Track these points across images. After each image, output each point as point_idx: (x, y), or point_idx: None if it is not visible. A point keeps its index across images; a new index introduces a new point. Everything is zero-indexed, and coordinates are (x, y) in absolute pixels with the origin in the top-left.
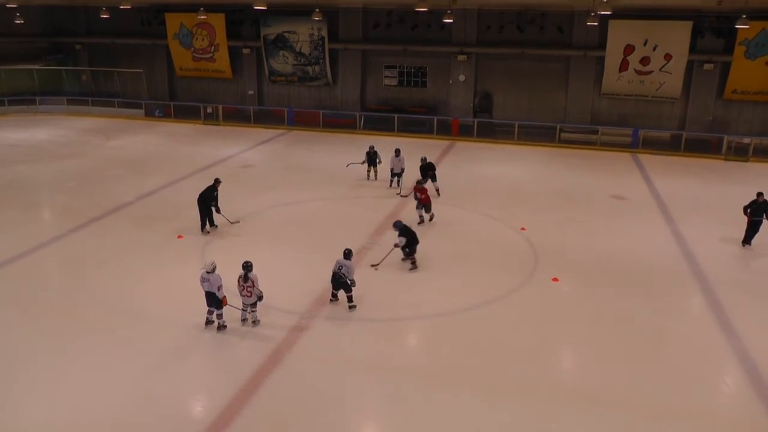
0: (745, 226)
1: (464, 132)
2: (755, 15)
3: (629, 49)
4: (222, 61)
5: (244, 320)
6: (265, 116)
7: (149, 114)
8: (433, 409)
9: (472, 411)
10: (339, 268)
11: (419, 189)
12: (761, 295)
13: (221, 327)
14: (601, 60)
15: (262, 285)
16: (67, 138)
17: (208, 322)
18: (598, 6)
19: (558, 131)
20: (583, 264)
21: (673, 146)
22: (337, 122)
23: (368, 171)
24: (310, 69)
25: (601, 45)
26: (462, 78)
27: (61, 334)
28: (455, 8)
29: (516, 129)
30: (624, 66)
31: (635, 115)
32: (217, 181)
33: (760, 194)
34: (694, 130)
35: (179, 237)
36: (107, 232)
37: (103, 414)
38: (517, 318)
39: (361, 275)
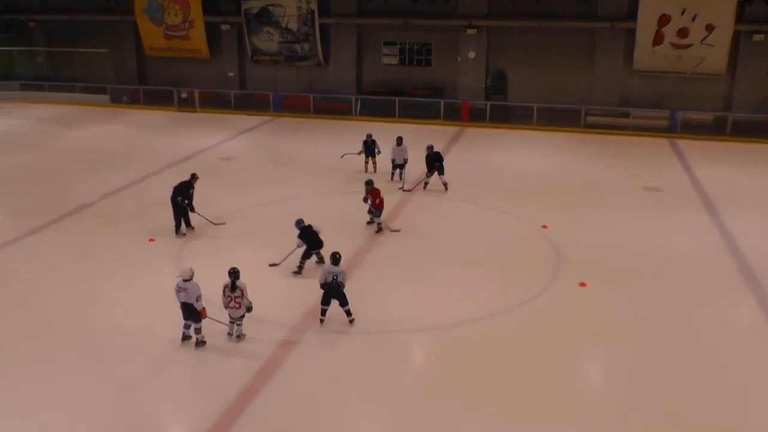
0: None
1: (475, 117)
2: None
3: (664, 20)
4: (198, 38)
5: (230, 335)
6: (248, 101)
7: (115, 100)
8: None
9: None
10: (333, 278)
11: (372, 192)
12: None
13: (200, 343)
14: (631, 32)
15: (249, 295)
16: (22, 128)
17: (185, 337)
18: None
19: (583, 114)
20: (615, 266)
21: (716, 130)
22: (330, 107)
23: (366, 162)
24: (298, 47)
25: (632, 15)
26: (472, 55)
27: (12, 354)
28: None
29: (534, 112)
30: (659, 39)
31: (672, 94)
32: (193, 177)
33: None
34: (741, 111)
35: (150, 240)
36: (68, 236)
37: None
38: (538, 330)
39: (354, 283)
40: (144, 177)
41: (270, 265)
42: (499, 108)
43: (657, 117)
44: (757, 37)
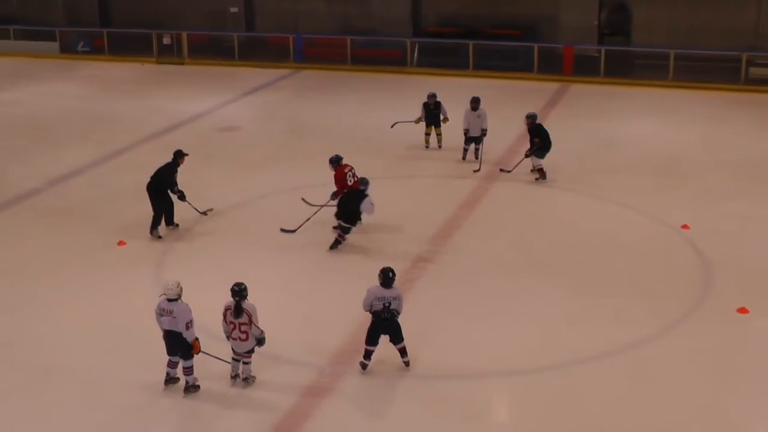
0: None
1: (584, 68)
2: None
3: None
4: None
5: (234, 377)
6: (258, 48)
7: (68, 49)
8: None
9: None
10: (385, 305)
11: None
12: None
13: (191, 388)
14: None
15: (260, 321)
16: None
17: (170, 379)
18: None
19: (744, 65)
20: None
21: None
22: (374, 56)
23: (427, 134)
24: None
25: None
26: None
27: None
28: None
29: (671, 62)
30: None
31: None
32: (179, 156)
33: None
34: None
35: (120, 244)
36: (2, 238)
37: None
38: (673, 377)
39: (408, 310)
40: (109, 155)
41: (282, 231)
42: (618, 56)
43: None
44: None
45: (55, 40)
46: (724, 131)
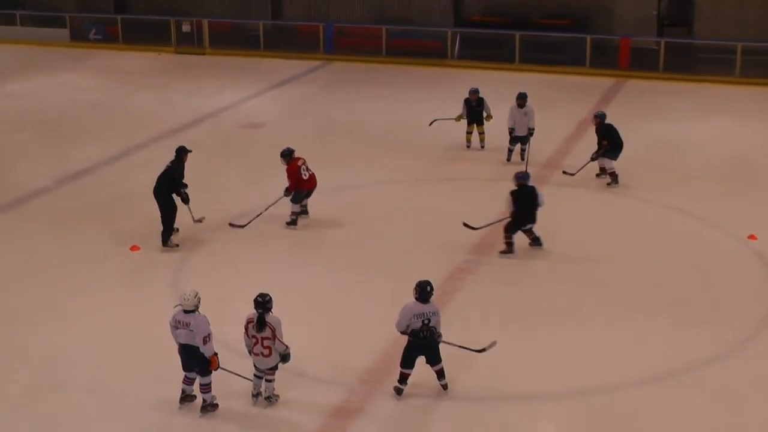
0: None
1: (641, 62)
2: None
3: None
4: None
5: (256, 396)
6: (286, 38)
7: (79, 37)
8: None
9: None
10: (425, 321)
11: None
12: None
13: (209, 406)
14: None
15: (285, 336)
16: None
17: (186, 397)
18: None
19: None
20: None
21: None
22: (412, 47)
23: (469, 132)
24: None
25: None
26: None
27: None
28: None
29: (738, 56)
30: None
31: None
32: (183, 153)
33: None
34: None
35: (133, 248)
36: (5, 242)
37: None
38: (740, 402)
39: (447, 328)
40: (123, 153)
41: (231, 225)
42: (679, 49)
43: None
44: None
45: (65, 27)
46: None
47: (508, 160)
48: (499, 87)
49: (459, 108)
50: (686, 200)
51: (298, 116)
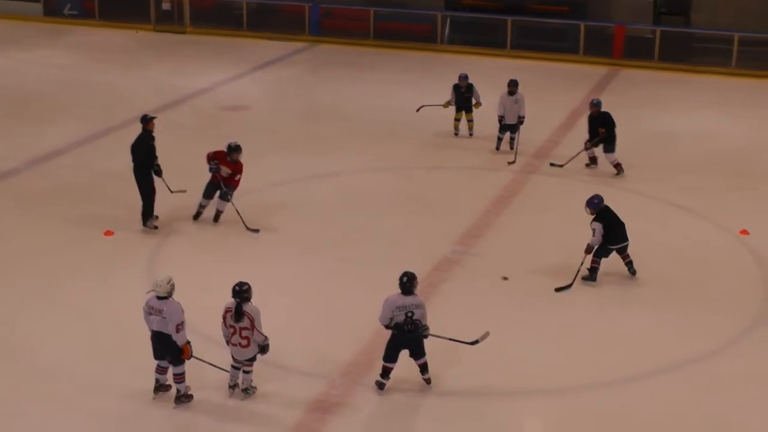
0: None
1: (637, 51)
2: None
3: None
4: None
5: (233, 387)
6: (270, 18)
7: (53, 12)
8: None
9: None
10: (408, 314)
11: (227, 163)
12: None
13: (182, 397)
14: None
15: (264, 326)
16: None
17: (160, 387)
18: None
19: None
20: None
21: None
22: (401, 30)
23: (457, 119)
24: None
25: None
26: None
27: None
28: None
29: (735, 47)
30: None
31: None
32: (147, 122)
33: None
34: None
35: (107, 234)
36: None
37: None
38: (731, 395)
39: (431, 319)
40: (97, 134)
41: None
42: (675, 38)
43: None
44: None
45: (38, 1)
46: None
47: (497, 148)
48: (489, 73)
49: (447, 94)
50: (679, 193)
51: (282, 99)
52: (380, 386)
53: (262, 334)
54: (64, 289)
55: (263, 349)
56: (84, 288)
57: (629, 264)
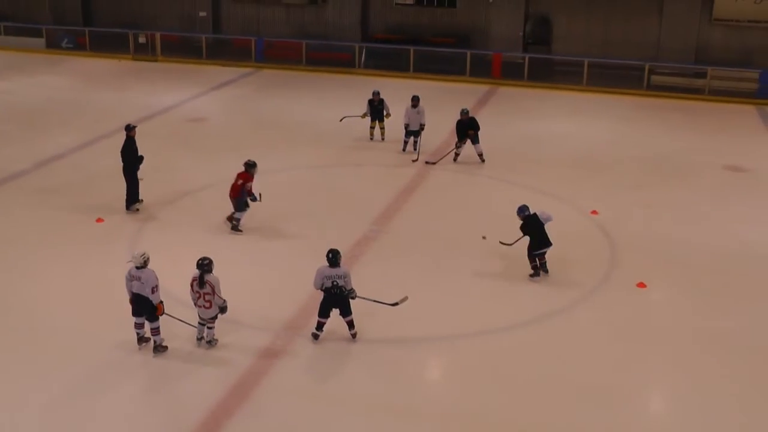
0: None
1: (510, 73)
2: None
3: None
4: None
5: (199, 340)
6: (224, 49)
7: (53, 45)
8: None
9: None
10: (333, 282)
11: (251, 178)
12: None
13: (159, 347)
14: None
15: (222, 291)
16: None
17: (142, 339)
18: None
19: (647, 73)
20: (683, 263)
21: None
22: (327, 58)
23: (372, 128)
24: None
25: None
26: None
27: None
28: None
29: (585, 69)
30: None
31: (764, 50)
32: (130, 129)
33: None
34: None
35: (98, 221)
36: None
37: None
38: (586, 340)
39: (355, 282)
40: (90, 141)
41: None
42: (540, 63)
43: (742, 78)
44: None
45: (41, 37)
46: (631, 130)
47: (404, 150)
48: (397, 91)
49: (364, 107)
50: (545, 182)
51: (234, 113)
52: (315, 337)
53: (221, 298)
54: (64, 262)
55: (222, 309)
56: (80, 262)
57: (543, 265)
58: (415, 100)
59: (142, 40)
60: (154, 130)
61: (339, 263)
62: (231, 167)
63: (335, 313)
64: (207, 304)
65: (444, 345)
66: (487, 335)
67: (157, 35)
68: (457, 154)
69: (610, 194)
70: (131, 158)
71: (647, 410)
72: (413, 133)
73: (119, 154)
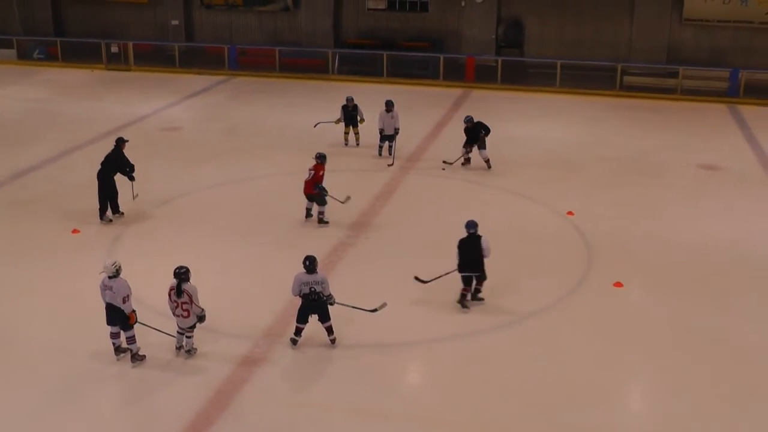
0: None
1: (483, 76)
2: None
3: None
4: None
5: (178, 348)
6: (197, 57)
7: (24, 56)
8: None
9: None
10: (310, 288)
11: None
12: None
13: (136, 357)
14: None
15: (201, 299)
16: None
17: (118, 349)
18: None
19: (619, 74)
20: (658, 262)
21: None
22: (300, 64)
23: (346, 133)
24: None
25: None
26: None
27: None
28: None
29: (558, 71)
30: None
31: (734, 49)
32: (121, 142)
33: None
34: None
35: (74, 232)
36: None
37: None
38: (564, 341)
39: (333, 287)
40: (64, 152)
41: (418, 280)
42: (513, 66)
43: (713, 77)
44: None
45: (12, 48)
46: (604, 131)
47: (379, 154)
48: (370, 96)
49: (338, 113)
50: (520, 184)
51: (208, 121)
52: (293, 342)
53: (199, 307)
54: (42, 274)
55: (201, 318)
56: (56, 273)
57: (476, 292)
58: (389, 105)
59: (114, 49)
60: (129, 139)
61: (316, 269)
62: (207, 175)
63: (314, 319)
64: (185, 313)
65: (423, 349)
66: (465, 338)
67: (130, 44)
68: (467, 159)
69: (585, 195)
70: (114, 168)
71: (627, 409)
72: (388, 137)
73: (100, 162)
